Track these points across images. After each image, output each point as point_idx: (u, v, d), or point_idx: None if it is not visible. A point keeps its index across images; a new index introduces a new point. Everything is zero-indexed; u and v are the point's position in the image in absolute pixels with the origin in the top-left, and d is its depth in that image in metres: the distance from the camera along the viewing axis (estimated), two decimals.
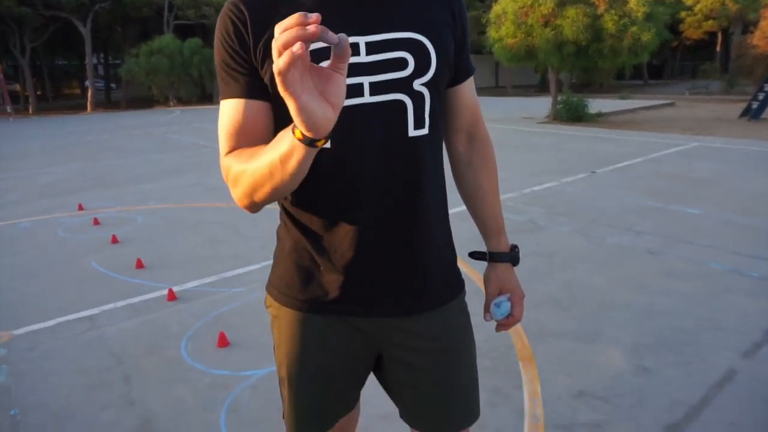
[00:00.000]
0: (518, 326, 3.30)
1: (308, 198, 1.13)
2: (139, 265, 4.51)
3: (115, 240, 5.18)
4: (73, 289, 4.10)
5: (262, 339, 3.25)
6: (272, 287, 1.26)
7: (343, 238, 1.12)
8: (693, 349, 2.99)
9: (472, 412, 1.29)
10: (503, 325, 1.36)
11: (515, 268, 1.36)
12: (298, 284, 1.19)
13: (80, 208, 6.54)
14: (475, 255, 1.37)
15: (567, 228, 4.96)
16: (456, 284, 1.27)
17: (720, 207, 5.68)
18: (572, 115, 13.56)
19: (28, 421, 2.54)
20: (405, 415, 1.32)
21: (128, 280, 4.26)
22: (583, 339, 3.15)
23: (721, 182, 6.81)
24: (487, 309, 1.36)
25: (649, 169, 7.79)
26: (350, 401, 1.36)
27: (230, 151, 1.07)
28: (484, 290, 1.36)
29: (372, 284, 1.16)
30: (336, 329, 1.21)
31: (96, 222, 5.86)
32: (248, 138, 1.05)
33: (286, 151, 0.88)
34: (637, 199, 6.08)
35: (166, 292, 3.92)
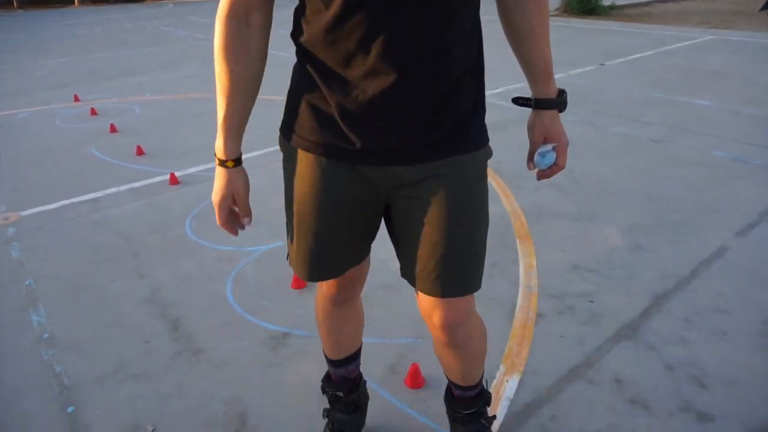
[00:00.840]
0: (517, 207, 3.35)
1: (327, 34, 1.05)
2: (140, 152, 4.49)
3: (113, 129, 5.13)
4: (75, 175, 4.12)
5: (265, 218, 3.29)
6: (285, 127, 1.23)
7: (363, 80, 1.05)
8: (688, 229, 3.04)
9: (470, 282, 1.23)
10: (546, 175, 1.29)
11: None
12: (312, 126, 1.15)
13: (76, 99, 6.42)
14: (519, 101, 1.29)
15: (572, 117, 4.88)
16: (479, 141, 1.19)
17: (729, 99, 5.55)
18: (584, 7, 12.89)
19: (43, 290, 2.65)
20: (403, 272, 1.32)
21: (129, 166, 4.27)
22: (581, 219, 3.20)
23: (733, 75, 6.60)
24: (531, 158, 1.28)
25: (660, 61, 7.52)
26: (359, 252, 1.36)
27: (227, 15, 1.11)
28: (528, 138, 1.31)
29: (390, 132, 1.10)
30: (348, 175, 1.18)
31: (93, 112, 5.77)
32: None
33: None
34: (645, 91, 5.94)
35: (167, 176, 3.94)
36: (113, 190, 3.82)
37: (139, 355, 2.18)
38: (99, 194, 3.76)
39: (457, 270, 1.20)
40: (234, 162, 1.26)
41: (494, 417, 1.67)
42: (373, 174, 1.18)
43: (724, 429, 1.78)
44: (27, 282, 2.72)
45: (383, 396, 1.94)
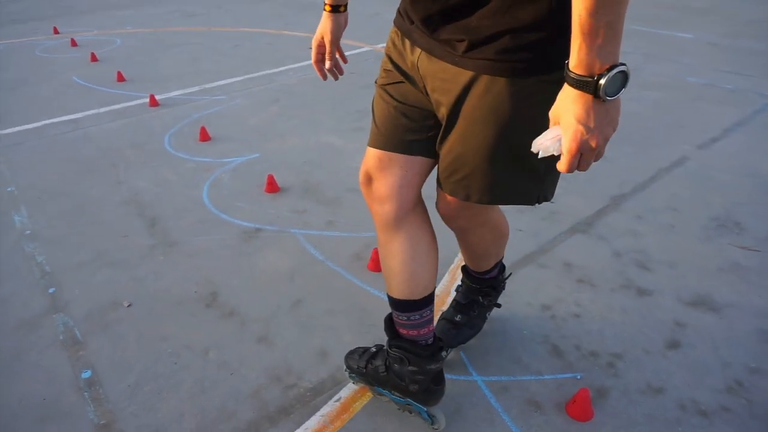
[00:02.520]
0: None
1: None
2: (120, 78, 4.49)
3: (94, 58, 5.09)
4: (55, 99, 4.12)
5: (242, 135, 3.37)
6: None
7: None
8: (653, 143, 3.14)
9: (471, 192, 1.18)
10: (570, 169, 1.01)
11: None
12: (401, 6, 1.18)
13: (55, 31, 6.32)
14: None
15: None
16: (520, 67, 1.00)
17: (711, 32, 5.57)
18: None
19: (24, 195, 2.73)
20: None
21: (110, 90, 4.27)
22: None
23: (719, 11, 6.59)
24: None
25: None
26: (408, 141, 1.25)
27: None
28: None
29: (432, 19, 1.07)
30: (406, 48, 1.18)
31: (74, 43, 5.71)
32: None
33: None
34: (627, 25, 5.91)
35: (147, 99, 3.97)
36: (93, 111, 3.85)
37: (116, 246, 2.29)
38: (79, 115, 3.79)
39: (459, 176, 1.17)
40: (331, 7, 1.36)
41: (498, 305, 1.75)
42: (419, 59, 1.14)
43: (660, 301, 1.92)
44: (9, 189, 2.80)
45: (347, 278, 2.07)
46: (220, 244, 2.28)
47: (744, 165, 2.87)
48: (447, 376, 1.62)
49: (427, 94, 1.17)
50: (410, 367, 1.37)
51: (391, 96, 1.24)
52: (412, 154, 1.25)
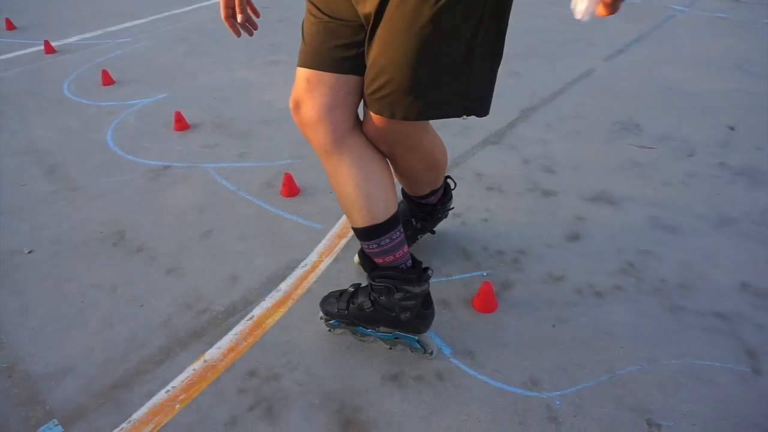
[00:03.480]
0: None
1: None
2: (9, 26, 4.13)
3: None
4: None
5: (149, 77, 3.20)
6: None
7: None
8: (561, 57, 3.20)
9: (390, 107, 1.12)
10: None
11: None
12: None
13: None
14: None
15: None
16: None
17: None
18: None
19: None
20: None
21: None
22: None
23: None
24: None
25: None
26: (337, 59, 1.18)
27: None
28: None
29: None
30: None
31: None
32: None
33: None
34: None
35: (42, 46, 3.68)
36: None
37: (14, 196, 2.16)
38: None
39: (384, 92, 1.10)
40: None
41: (432, 232, 1.75)
42: None
43: (563, 200, 2.00)
44: None
45: (259, 205, 2.04)
46: (126, 185, 2.19)
47: (645, 73, 2.98)
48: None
49: (353, 4, 1.10)
50: (398, 295, 1.30)
51: (319, 10, 1.16)
52: (342, 73, 1.17)
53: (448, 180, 1.67)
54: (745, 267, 1.69)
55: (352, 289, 1.43)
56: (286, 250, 1.81)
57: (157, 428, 1.27)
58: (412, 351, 1.43)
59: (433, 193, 1.61)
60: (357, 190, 1.23)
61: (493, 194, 2.04)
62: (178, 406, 1.32)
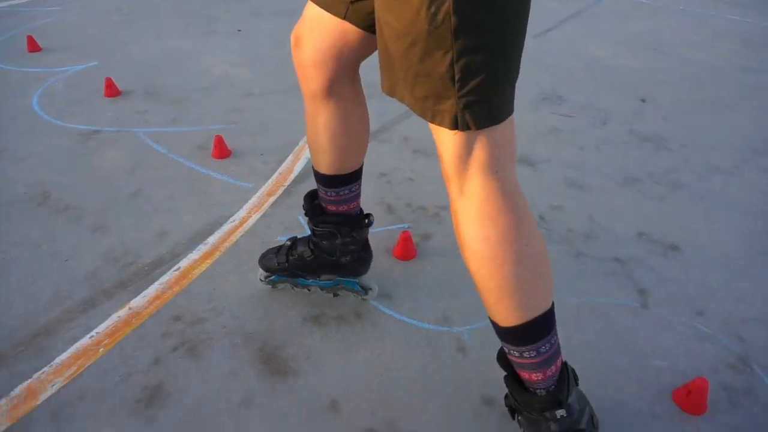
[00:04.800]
0: None
1: None
2: None
3: None
4: None
5: (79, 45, 3.12)
6: None
7: None
8: None
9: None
10: None
11: None
12: None
13: None
14: None
15: None
16: None
17: None
18: None
19: None
20: None
21: None
22: None
23: None
24: None
25: None
26: (348, 3, 1.04)
27: None
28: None
29: None
30: None
31: None
32: None
33: None
34: None
35: None
36: None
37: None
38: None
39: (385, 66, 0.92)
40: None
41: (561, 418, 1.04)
42: None
43: None
44: None
45: (189, 166, 2.06)
46: (52, 148, 2.16)
47: (571, 49, 3.14)
48: (286, 238, 1.70)
49: None
50: (341, 239, 1.34)
51: None
52: (350, 21, 1.06)
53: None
54: (642, 219, 1.85)
55: (289, 243, 1.46)
56: (215, 208, 1.84)
57: (80, 371, 1.30)
58: (354, 294, 1.49)
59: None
60: (331, 140, 1.22)
61: (419, 156, 2.13)
62: (101, 349, 1.35)
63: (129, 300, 1.49)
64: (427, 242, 1.71)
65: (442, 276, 1.59)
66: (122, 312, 1.45)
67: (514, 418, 1.12)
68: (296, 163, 2.09)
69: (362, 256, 1.42)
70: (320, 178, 1.30)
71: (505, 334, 0.99)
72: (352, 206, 1.36)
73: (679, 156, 2.23)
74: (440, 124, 0.85)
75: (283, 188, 1.94)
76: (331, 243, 1.37)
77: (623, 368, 1.34)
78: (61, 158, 2.10)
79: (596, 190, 1.99)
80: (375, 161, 2.09)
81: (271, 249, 1.50)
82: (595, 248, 1.71)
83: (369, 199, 1.89)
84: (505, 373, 1.07)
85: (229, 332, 1.40)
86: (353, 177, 1.31)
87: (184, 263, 1.61)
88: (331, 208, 1.34)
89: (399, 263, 1.63)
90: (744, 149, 2.31)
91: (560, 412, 1.00)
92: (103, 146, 2.17)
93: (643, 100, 2.63)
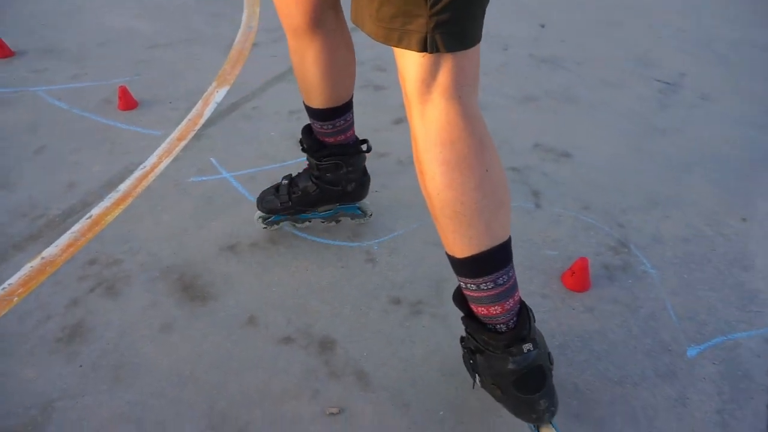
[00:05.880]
0: None
1: None
2: None
3: None
4: None
5: None
6: None
7: None
8: None
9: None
10: None
11: None
12: None
13: None
14: None
15: None
16: None
17: None
18: None
19: None
20: None
21: None
22: None
23: None
24: None
25: None
26: None
27: None
28: None
29: None
30: None
31: None
32: None
33: None
34: None
35: None
36: None
37: None
38: None
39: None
40: None
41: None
42: None
43: (392, 93, 2.18)
44: None
45: (95, 119, 2.02)
46: None
47: None
48: (199, 178, 1.74)
49: None
50: (345, 169, 1.37)
51: None
52: None
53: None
54: (538, 132, 1.98)
55: (286, 181, 1.46)
56: (124, 156, 1.83)
57: None
58: (353, 219, 1.54)
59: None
60: (323, 74, 1.21)
61: None
62: (16, 299, 1.36)
63: (41, 250, 1.49)
64: None
65: None
66: (35, 262, 1.46)
67: (469, 366, 1.06)
68: (206, 107, 2.09)
69: (363, 181, 1.45)
70: (314, 113, 1.31)
71: (461, 266, 0.94)
72: (349, 135, 1.37)
73: (575, 74, 2.38)
74: (407, 47, 0.81)
75: (194, 133, 1.95)
76: (336, 174, 1.38)
77: (518, 260, 1.46)
78: None
79: (497, 108, 2.10)
80: (284, 102, 2.12)
81: (266, 191, 1.50)
82: None
83: (279, 137, 1.93)
84: (462, 314, 1.02)
85: (146, 269, 1.44)
86: (347, 106, 1.32)
87: (95, 211, 1.62)
88: (329, 140, 1.35)
89: None
90: (631, 63, 2.48)
91: (527, 346, 0.95)
92: (0, 108, 2.09)
93: (543, 26, 2.75)
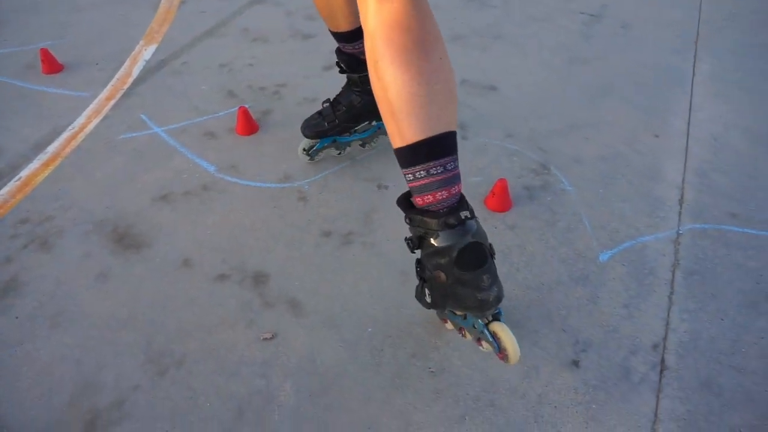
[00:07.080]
0: None
1: None
2: None
3: None
4: None
5: None
6: None
7: None
8: None
9: None
10: None
11: None
12: None
13: None
14: None
15: None
16: None
17: None
18: None
19: None
20: None
21: None
22: None
23: None
24: None
25: None
26: None
27: None
28: None
29: None
30: None
31: None
32: None
33: None
34: None
35: None
36: None
37: None
38: None
39: None
40: None
41: None
42: None
43: (322, 40, 2.18)
44: None
45: (19, 85, 1.98)
46: None
47: None
48: (129, 134, 1.74)
49: None
50: None
51: None
52: None
53: None
54: (466, 68, 2.03)
55: (328, 104, 1.53)
56: (52, 119, 1.81)
57: None
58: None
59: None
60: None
61: (258, 44, 2.17)
62: None
63: None
64: (268, 117, 1.80)
65: (282, 144, 1.69)
66: None
67: (416, 268, 1.08)
68: (134, 66, 2.06)
69: None
70: (343, 36, 1.40)
71: (413, 152, 0.96)
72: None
73: (501, 11, 2.42)
74: None
75: (122, 92, 1.93)
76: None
77: None
78: None
79: None
80: (214, 55, 2.11)
81: (309, 118, 1.56)
82: None
83: (210, 90, 1.93)
84: (404, 215, 1.05)
85: (78, 223, 1.45)
86: (360, 32, 1.35)
87: (25, 173, 1.61)
88: (363, 57, 1.30)
89: (241, 138, 1.71)
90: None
91: (464, 213, 0.98)
92: None
93: None
